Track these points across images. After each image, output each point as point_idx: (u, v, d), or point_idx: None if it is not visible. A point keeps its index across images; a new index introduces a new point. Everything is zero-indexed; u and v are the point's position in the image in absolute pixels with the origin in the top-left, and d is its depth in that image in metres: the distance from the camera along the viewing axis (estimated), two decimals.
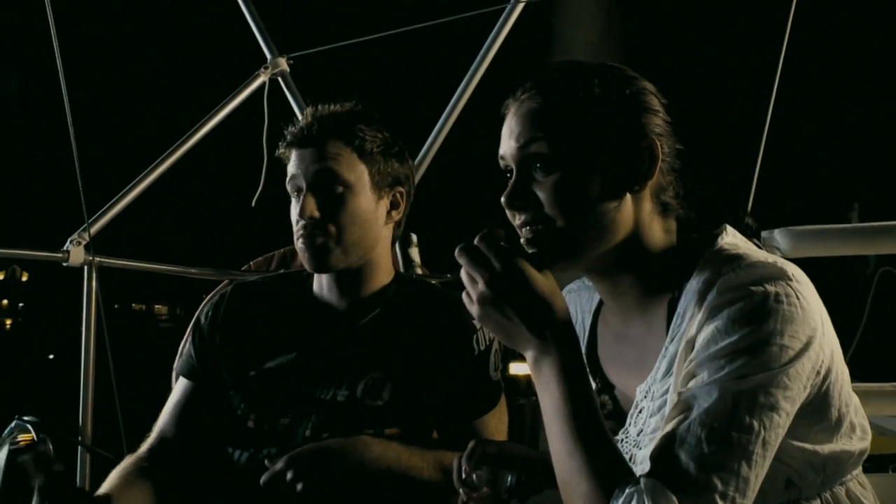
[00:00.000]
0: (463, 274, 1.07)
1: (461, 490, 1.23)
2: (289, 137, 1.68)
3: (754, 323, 0.97)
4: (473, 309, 1.06)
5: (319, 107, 1.71)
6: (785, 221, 1.97)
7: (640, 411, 1.11)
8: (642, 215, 1.12)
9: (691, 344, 1.02)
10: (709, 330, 1.00)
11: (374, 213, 1.68)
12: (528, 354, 1.06)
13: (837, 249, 2.01)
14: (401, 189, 1.74)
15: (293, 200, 1.68)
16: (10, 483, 1.68)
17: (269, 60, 2.81)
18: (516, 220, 1.13)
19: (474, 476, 1.21)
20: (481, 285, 1.04)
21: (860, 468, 1.13)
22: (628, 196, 1.10)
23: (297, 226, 1.66)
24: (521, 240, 1.11)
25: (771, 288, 0.99)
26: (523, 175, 1.11)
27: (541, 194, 1.10)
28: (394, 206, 1.73)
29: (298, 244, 1.65)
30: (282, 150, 1.71)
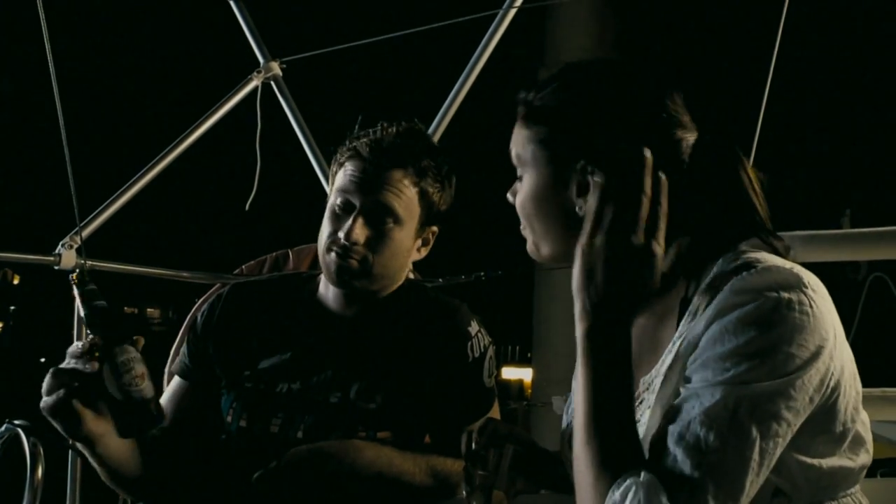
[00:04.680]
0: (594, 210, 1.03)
1: (466, 462, 1.21)
2: (356, 149, 1.61)
3: (763, 328, 0.96)
4: (588, 238, 1.03)
5: (394, 126, 1.64)
6: (776, 226, 1.96)
7: (641, 402, 1.11)
8: None
9: (697, 340, 1.02)
10: (716, 329, 0.99)
11: (410, 248, 1.67)
12: (584, 323, 1.02)
13: (829, 255, 2.01)
14: (435, 228, 1.72)
15: (334, 209, 1.62)
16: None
17: (261, 64, 2.81)
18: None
19: (482, 452, 1.20)
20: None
21: (858, 486, 1.11)
22: None
23: (330, 237, 1.61)
24: None
25: (785, 295, 0.98)
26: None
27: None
28: (424, 243, 1.72)
29: (329, 256, 1.61)
30: (342, 158, 1.64)
